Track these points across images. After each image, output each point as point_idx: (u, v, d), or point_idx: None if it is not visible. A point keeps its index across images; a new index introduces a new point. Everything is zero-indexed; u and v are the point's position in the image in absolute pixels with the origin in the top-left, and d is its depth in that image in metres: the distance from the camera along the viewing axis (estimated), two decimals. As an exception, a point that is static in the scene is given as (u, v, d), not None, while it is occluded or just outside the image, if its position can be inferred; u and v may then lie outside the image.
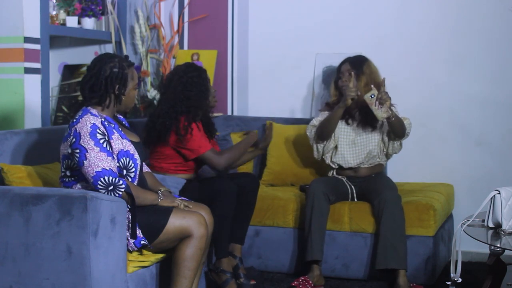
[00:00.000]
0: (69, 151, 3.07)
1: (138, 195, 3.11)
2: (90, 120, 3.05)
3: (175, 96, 3.90)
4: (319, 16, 4.87)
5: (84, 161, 3.00)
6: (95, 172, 2.98)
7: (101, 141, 3.03)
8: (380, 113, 3.94)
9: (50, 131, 3.74)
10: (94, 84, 3.15)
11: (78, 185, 3.13)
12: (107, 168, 2.99)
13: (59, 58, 5.14)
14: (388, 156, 4.25)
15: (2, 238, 2.93)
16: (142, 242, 3.13)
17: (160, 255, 3.26)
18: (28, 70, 4.28)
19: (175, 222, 3.16)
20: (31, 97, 4.31)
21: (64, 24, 4.76)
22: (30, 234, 2.89)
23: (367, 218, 4.02)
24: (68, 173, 3.15)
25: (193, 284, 3.22)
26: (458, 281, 3.12)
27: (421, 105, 4.65)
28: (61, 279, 2.87)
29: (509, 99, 4.50)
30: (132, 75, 3.23)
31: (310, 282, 3.85)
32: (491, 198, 3.15)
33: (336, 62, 4.40)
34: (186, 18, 5.18)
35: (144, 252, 3.20)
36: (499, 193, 3.13)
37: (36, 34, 4.33)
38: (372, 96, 3.94)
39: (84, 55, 5.17)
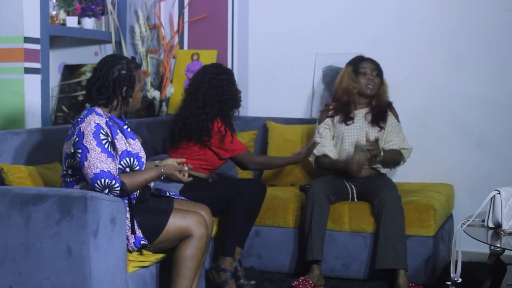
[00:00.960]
0: (72, 150, 3.07)
1: (134, 184, 3.10)
2: (95, 120, 3.06)
3: (205, 97, 3.92)
4: (319, 16, 4.86)
5: (85, 162, 3.00)
6: (93, 173, 2.98)
7: (104, 141, 3.03)
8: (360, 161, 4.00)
9: (50, 131, 3.74)
10: (101, 85, 3.15)
11: (78, 186, 3.13)
12: (105, 170, 2.99)
13: (59, 58, 5.14)
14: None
15: (2, 238, 2.93)
16: (142, 242, 3.13)
17: (160, 255, 3.26)
18: (28, 70, 4.28)
19: (175, 222, 3.16)
20: (31, 97, 4.31)
21: (64, 24, 4.76)
22: (30, 234, 2.89)
23: (367, 218, 4.02)
24: (70, 172, 3.15)
25: (193, 284, 3.22)
26: (458, 281, 3.12)
27: (421, 105, 4.66)
28: (61, 279, 2.87)
29: (509, 99, 4.50)
30: (139, 76, 3.24)
31: (310, 282, 3.85)
32: (491, 198, 3.15)
33: (336, 62, 4.40)
34: (186, 18, 5.18)
35: (144, 252, 3.21)
36: (499, 193, 3.13)
37: (36, 34, 4.33)
38: (364, 148, 3.98)
39: (84, 55, 5.17)
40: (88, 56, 5.15)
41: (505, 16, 4.47)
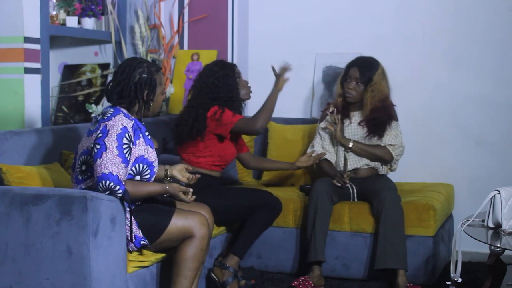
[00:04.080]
0: (92, 144, 3.06)
1: (136, 194, 3.09)
2: (123, 122, 3.05)
3: (200, 94, 3.94)
4: (319, 16, 4.87)
5: (98, 159, 2.99)
6: (102, 173, 2.98)
7: (124, 146, 3.02)
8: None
9: (50, 131, 3.74)
10: (123, 89, 3.13)
11: (84, 184, 3.13)
12: (114, 174, 2.98)
13: (59, 58, 5.14)
14: (391, 169, 4.27)
15: (2, 238, 2.93)
16: (142, 242, 3.13)
17: (161, 255, 3.26)
18: (28, 70, 4.28)
19: (177, 223, 3.16)
20: (31, 97, 4.31)
21: (64, 24, 4.77)
22: (30, 234, 2.89)
23: (367, 218, 4.02)
24: (83, 168, 3.13)
25: (193, 284, 3.22)
26: (458, 281, 3.12)
27: (421, 105, 4.66)
28: (61, 279, 2.87)
29: (509, 99, 4.50)
30: (160, 80, 3.23)
31: (310, 282, 3.85)
32: (491, 198, 3.15)
33: (336, 62, 4.39)
34: (186, 18, 5.18)
35: (144, 252, 3.21)
36: (499, 193, 3.13)
37: (36, 34, 4.33)
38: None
39: (84, 55, 5.17)
40: (88, 56, 5.15)
41: (505, 16, 4.47)
